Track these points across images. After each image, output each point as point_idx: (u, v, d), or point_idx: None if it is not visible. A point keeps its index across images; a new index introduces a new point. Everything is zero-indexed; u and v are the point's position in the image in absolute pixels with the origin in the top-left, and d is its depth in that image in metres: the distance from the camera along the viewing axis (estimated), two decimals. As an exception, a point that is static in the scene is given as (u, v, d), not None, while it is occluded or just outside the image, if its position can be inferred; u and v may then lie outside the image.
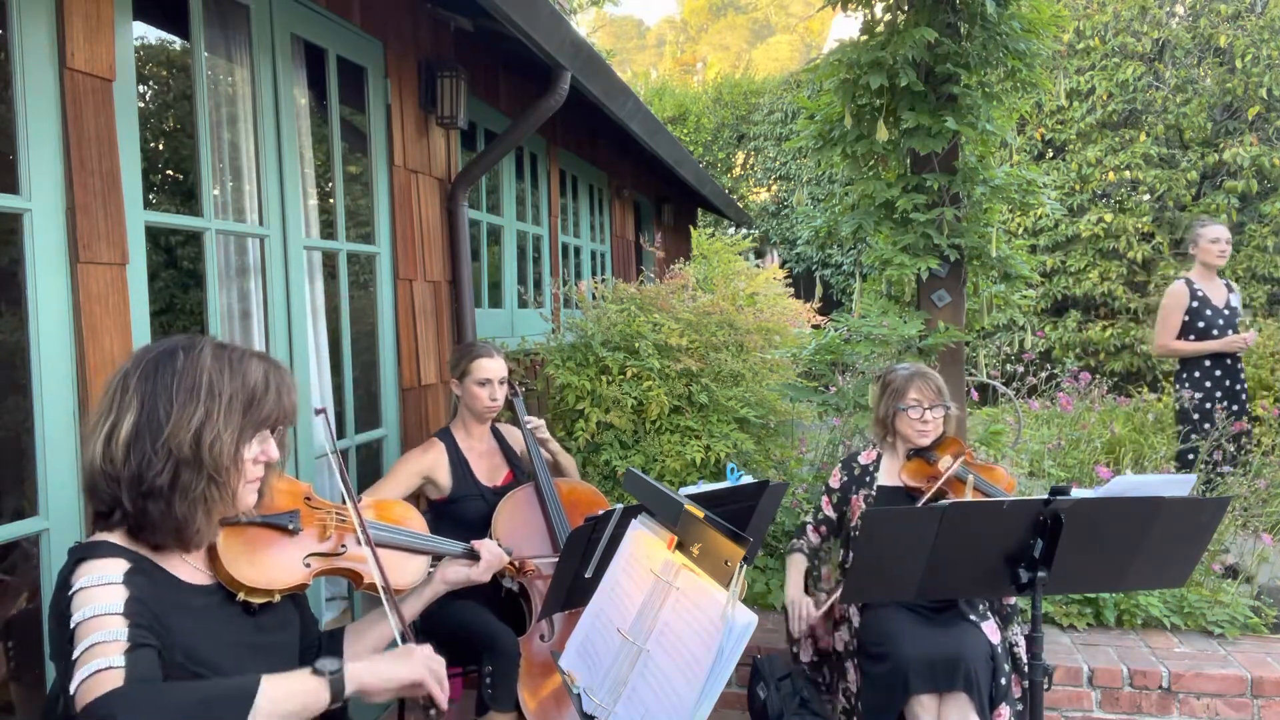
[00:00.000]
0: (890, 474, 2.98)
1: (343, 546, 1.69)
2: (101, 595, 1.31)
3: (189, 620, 1.43)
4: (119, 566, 1.36)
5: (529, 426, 3.10)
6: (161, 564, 1.45)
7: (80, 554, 1.38)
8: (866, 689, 2.70)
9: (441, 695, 1.51)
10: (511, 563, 2.27)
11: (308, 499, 1.71)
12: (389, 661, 1.49)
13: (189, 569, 1.49)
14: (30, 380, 2.00)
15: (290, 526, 1.63)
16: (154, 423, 1.41)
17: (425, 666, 1.50)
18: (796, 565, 3.00)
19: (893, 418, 2.93)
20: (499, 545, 2.08)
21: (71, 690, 1.23)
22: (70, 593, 1.32)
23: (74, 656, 1.25)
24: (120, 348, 2.18)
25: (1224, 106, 10.06)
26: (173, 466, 1.40)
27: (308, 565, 1.63)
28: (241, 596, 1.52)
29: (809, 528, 3.08)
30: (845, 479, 3.04)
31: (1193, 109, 9.80)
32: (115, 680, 1.22)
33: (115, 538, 1.43)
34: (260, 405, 1.49)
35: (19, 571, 2.59)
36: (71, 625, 1.28)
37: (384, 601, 1.63)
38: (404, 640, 1.59)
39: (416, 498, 2.99)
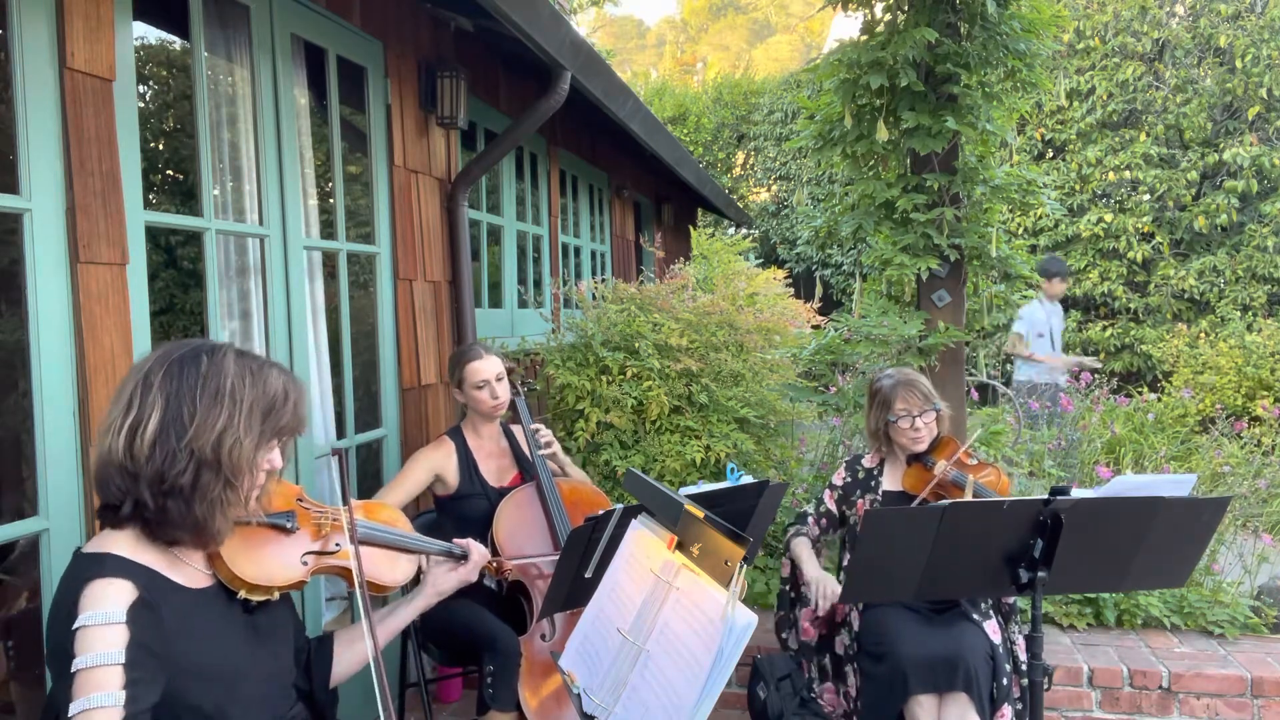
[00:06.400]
0: (894, 479, 2.97)
1: (336, 545, 1.73)
2: (102, 639, 1.31)
3: (196, 631, 1.45)
4: (124, 596, 1.36)
5: (534, 432, 3.07)
6: (168, 573, 1.46)
7: (87, 571, 1.37)
8: (866, 689, 2.70)
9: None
10: (491, 562, 2.27)
11: (300, 500, 1.75)
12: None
13: (192, 572, 1.50)
14: (30, 380, 1.99)
15: (288, 525, 1.66)
16: (178, 423, 1.42)
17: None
18: (804, 545, 2.95)
19: (885, 429, 2.93)
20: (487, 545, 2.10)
21: None
22: (75, 626, 1.31)
23: (69, 715, 1.28)
24: (120, 348, 2.18)
25: (1224, 106, 10.06)
26: (194, 467, 1.42)
27: (305, 563, 1.66)
28: (242, 594, 1.54)
29: (810, 518, 3.05)
30: (849, 479, 3.03)
31: (1193, 109, 9.80)
32: None
33: (124, 544, 1.42)
34: (279, 415, 1.52)
35: (19, 571, 2.59)
36: (72, 669, 1.29)
37: (357, 595, 1.65)
38: (374, 650, 1.59)
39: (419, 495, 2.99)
